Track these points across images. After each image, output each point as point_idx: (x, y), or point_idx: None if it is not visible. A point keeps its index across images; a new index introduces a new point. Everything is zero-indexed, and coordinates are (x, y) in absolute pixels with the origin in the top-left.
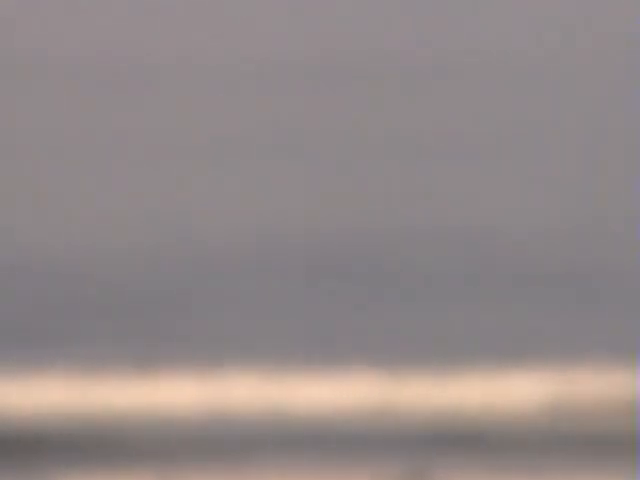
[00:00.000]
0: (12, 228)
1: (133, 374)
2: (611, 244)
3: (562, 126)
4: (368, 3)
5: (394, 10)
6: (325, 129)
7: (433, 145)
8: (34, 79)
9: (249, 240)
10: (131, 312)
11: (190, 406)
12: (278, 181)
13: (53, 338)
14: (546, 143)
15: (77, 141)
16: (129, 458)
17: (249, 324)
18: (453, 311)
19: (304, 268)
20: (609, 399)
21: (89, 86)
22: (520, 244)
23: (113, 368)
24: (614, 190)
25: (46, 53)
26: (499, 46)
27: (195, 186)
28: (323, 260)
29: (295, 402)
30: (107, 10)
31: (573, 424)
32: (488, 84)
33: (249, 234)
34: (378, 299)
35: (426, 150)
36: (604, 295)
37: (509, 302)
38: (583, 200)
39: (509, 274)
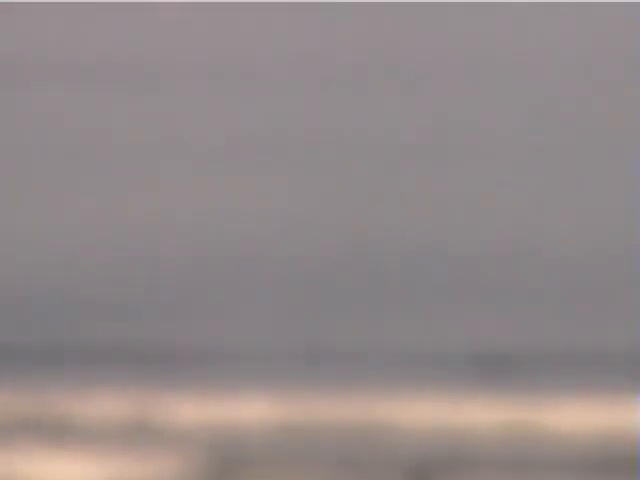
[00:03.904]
0: (14, 229)
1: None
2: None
3: (562, 128)
4: (367, 3)
5: (393, 10)
6: (325, 129)
7: (432, 146)
8: (33, 80)
9: (249, 242)
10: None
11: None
12: (277, 182)
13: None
14: (545, 145)
15: (77, 141)
16: None
17: (250, 332)
18: (450, 319)
19: (305, 272)
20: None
21: (89, 86)
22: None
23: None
24: (615, 198)
25: (46, 53)
26: (500, 47)
27: (195, 186)
28: (324, 263)
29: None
30: (107, 10)
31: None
32: (487, 86)
33: (249, 236)
34: (378, 307)
35: (425, 151)
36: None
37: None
38: (584, 206)
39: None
